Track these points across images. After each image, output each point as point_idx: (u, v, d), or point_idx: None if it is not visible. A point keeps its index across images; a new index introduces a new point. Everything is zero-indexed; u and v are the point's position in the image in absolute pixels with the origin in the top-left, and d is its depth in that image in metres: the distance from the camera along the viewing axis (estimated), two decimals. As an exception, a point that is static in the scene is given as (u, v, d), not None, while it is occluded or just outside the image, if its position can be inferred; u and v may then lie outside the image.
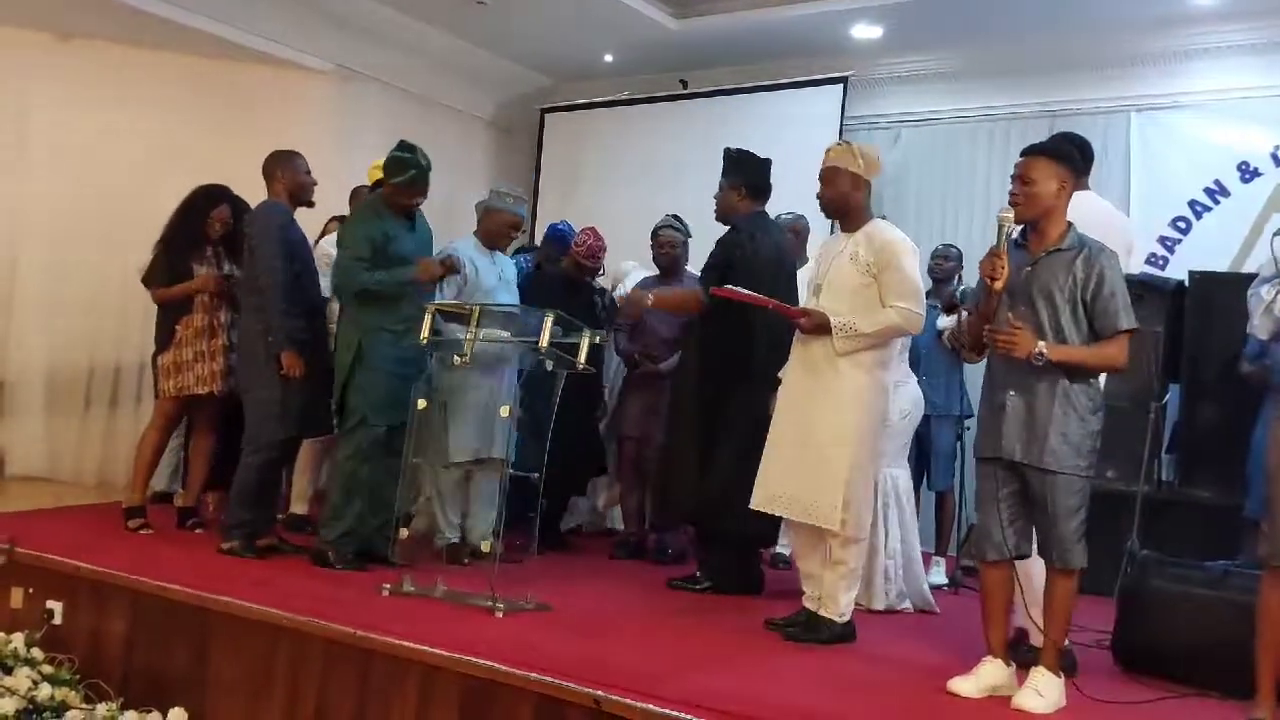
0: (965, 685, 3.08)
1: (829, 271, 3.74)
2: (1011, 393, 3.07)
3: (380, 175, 4.85)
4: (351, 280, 4.26)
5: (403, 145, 4.35)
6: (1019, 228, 3.14)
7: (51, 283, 6.00)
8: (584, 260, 5.20)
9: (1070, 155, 3.18)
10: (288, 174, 4.52)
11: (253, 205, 4.63)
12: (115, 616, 3.76)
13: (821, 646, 3.63)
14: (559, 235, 5.59)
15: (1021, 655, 3.26)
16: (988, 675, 3.09)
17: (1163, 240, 5.97)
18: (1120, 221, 3.74)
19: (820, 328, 3.63)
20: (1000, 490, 3.10)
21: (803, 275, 5.28)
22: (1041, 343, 2.98)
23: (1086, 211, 3.33)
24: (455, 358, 4.05)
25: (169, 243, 4.76)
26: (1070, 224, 3.12)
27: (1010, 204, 3.11)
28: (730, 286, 3.82)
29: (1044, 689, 3.00)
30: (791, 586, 4.52)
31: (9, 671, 3.58)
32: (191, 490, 4.91)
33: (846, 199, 3.75)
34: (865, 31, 6.43)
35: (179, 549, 4.36)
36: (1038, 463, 3.01)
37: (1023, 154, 3.17)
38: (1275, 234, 3.08)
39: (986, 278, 3.09)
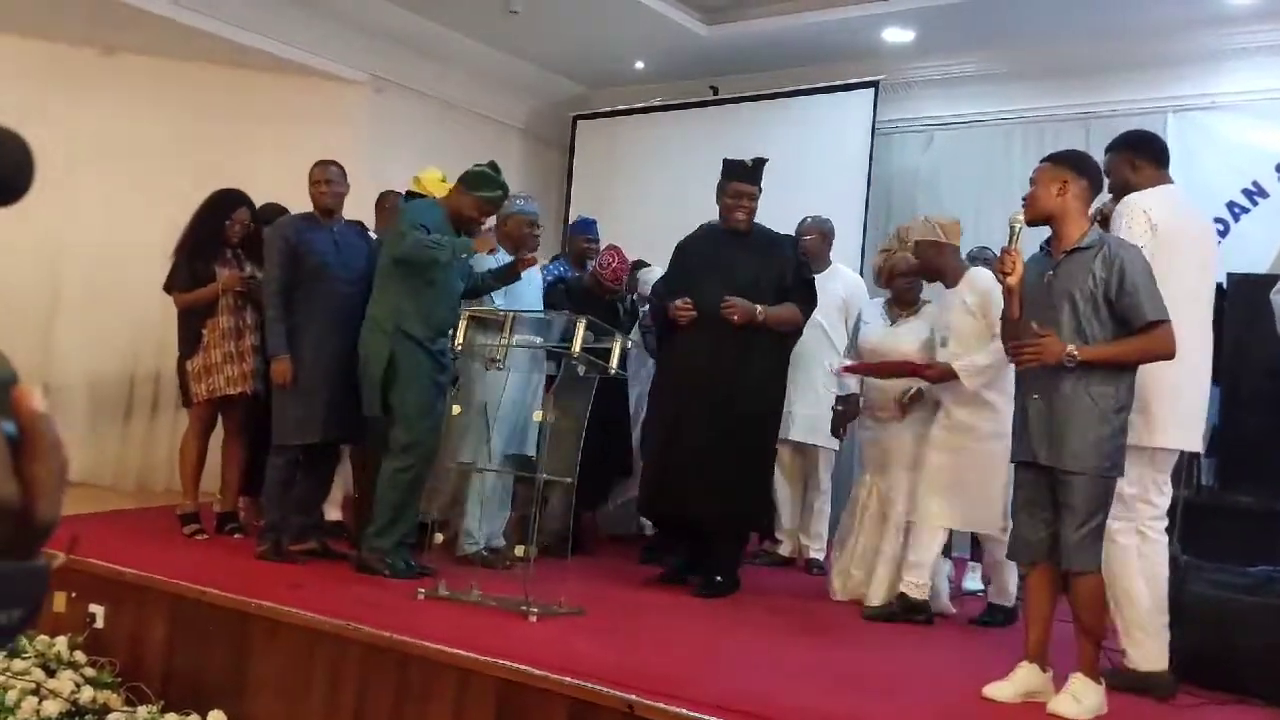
0: (1001, 690, 3.06)
1: (949, 324, 4.23)
2: (1035, 396, 3.08)
3: (421, 187, 4.89)
4: (409, 247, 4.18)
5: (494, 165, 4.43)
6: (1032, 228, 3.22)
7: (95, 291, 6.12)
8: (608, 282, 5.14)
9: (1074, 159, 3.20)
10: (309, 184, 4.59)
11: (291, 213, 4.70)
12: (156, 620, 3.81)
13: (859, 648, 3.62)
14: (586, 224, 5.65)
15: (1114, 676, 3.19)
16: (1024, 680, 3.07)
17: (1201, 242, 5.90)
18: (1197, 218, 3.69)
19: (945, 375, 4.08)
20: (1034, 493, 3.10)
21: (824, 280, 5.33)
22: (1070, 345, 2.98)
23: (1169, 204, 3.40)
24: (488, 363, 4.08)
25: (189, 248, 4.81)
26: (1093, 223, 3.15)
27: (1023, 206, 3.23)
28: (860, 363, 4.43)
29: (1081, 695, 2.97)
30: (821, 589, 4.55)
31: (52, 674, 3.64)
32: (227, 495, 4.96)
33: (938, 265, 4.27)
34: (897, 35, 6.41)
35: (219, 554, 4.43)
36: (1060, 464, 3.01)
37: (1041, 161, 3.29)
38: None
39: (1000, 274, 3.17)
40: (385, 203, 5.39)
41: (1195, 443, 3.47)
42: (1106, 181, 3.50)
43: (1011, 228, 3.17)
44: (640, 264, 5.83)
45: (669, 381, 4.50)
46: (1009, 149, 6.55)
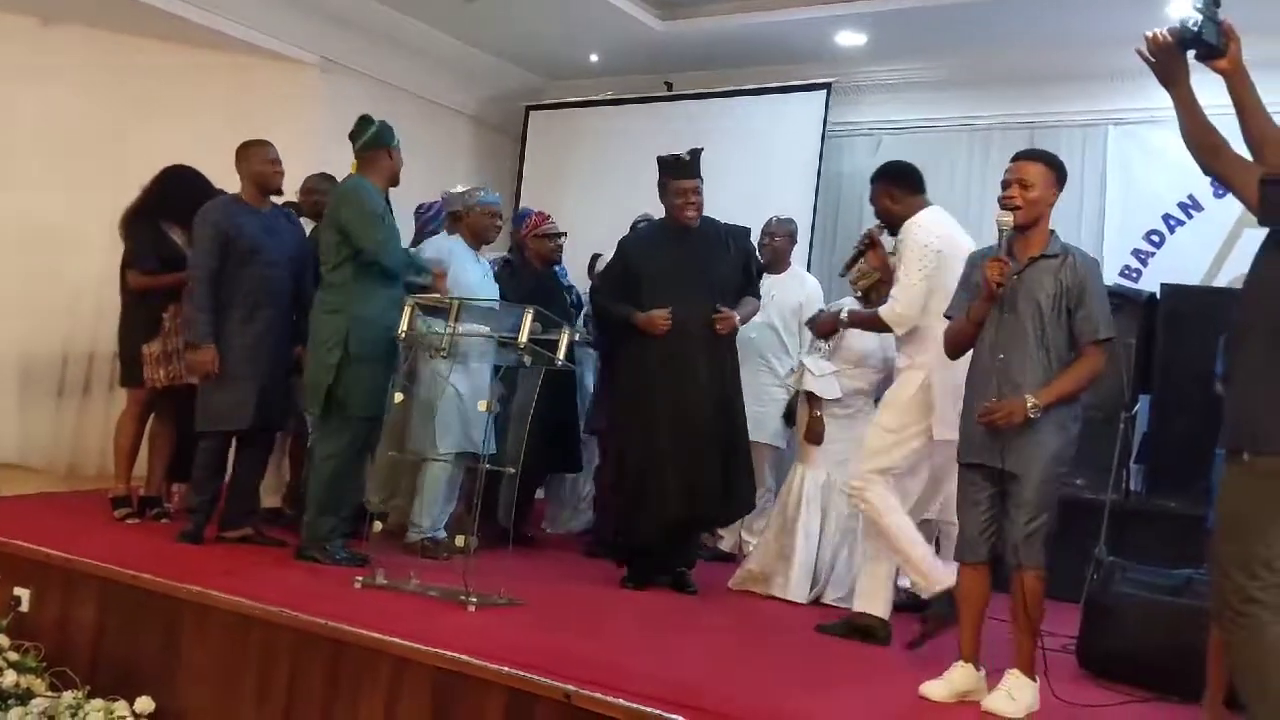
0: (937, 689, 3.11)
1: None
2: (992, 401, 3.10)
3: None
4: (392, 254, 4.19)
5: (367, 118, 4.35)
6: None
7: (29, 269, 5.96)
8: (542, 225, 5.16)
9: (1060, 163, 3.22)
10: (249, 164, 4.49)
11: (228, 194, 4.61)
12: (84, 604, 3.73)
13: (800, 643, 3.71)
14: (528, 215, 5.64)
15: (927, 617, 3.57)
16: (959, 679, 3.12)
17: (1136, 253, 6.04)
18: (963, 233, 3.95)
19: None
20: (979, 494, 3.15)
21: (784, 281, 5.33)
22: (1029, 398, 3.02)
23: (944, 224, 3.78)
24: (433, 351, 4.06)
25: (149, 222, 4.70)
26: (1053, 231, 3.18)
27: (1006, 207, 3.14)
28: None
29: (1016, 692, 3.03)
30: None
31: (-26, 658, 3.56)
32: (152, 479, 4.86)
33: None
34: (849, 39, 6.47)
35: (150, 538, 4.34)
36: (1016, 469, 3.06)
37: (1018, 157, 3.20)
38: None
39: (993, 283, 3.10)
40: (310, 185, 5.29)
41: None
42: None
43: (1001, 231, 3.13)
44: (599, 257, 5.85)
45: (642, 388, 4.29)
46: (954, 155, 6.66)
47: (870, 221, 6.71)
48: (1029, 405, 3.01)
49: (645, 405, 4.26)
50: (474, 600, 3.62)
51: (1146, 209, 6.04)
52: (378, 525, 4.08)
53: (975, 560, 3.16)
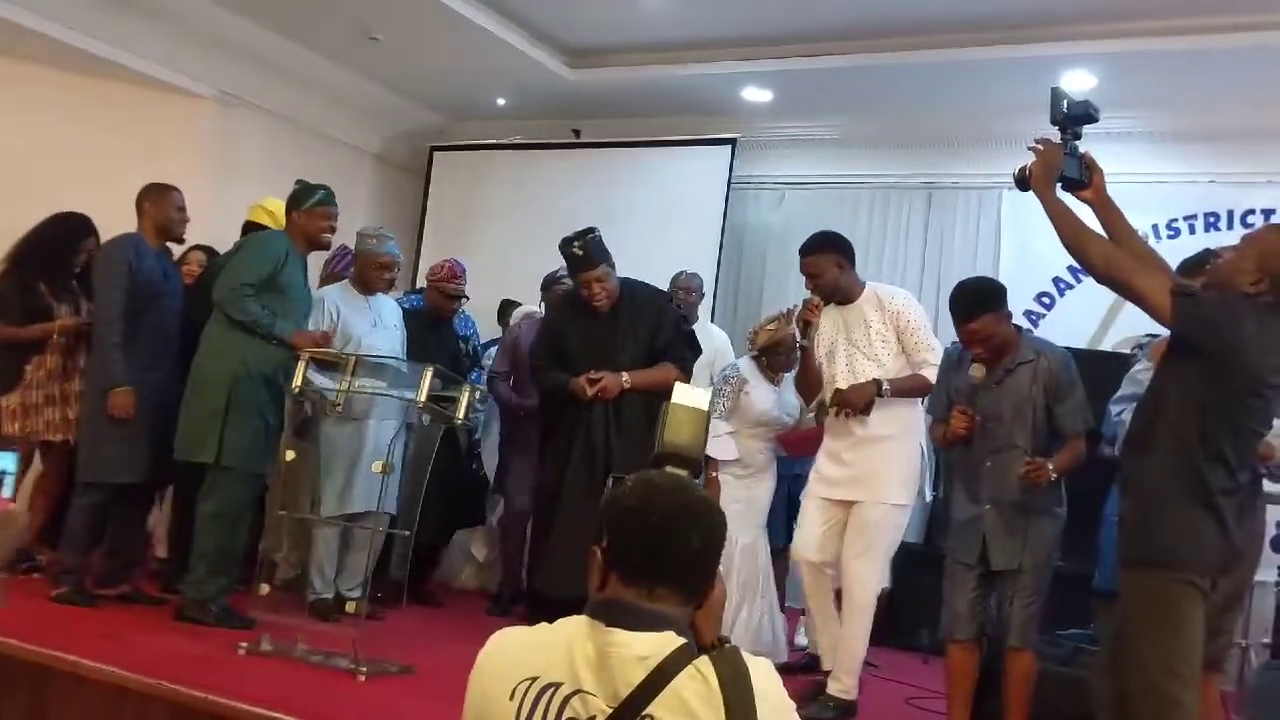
0: None
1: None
2: (987, 506, 3.24)
3: (259, 216, 4.72)
4: (236, 304, 4.03)
5: (301, 181, 4.33)
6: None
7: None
8: (447, 284, 4.96)
9: (998, 300, 3.32)
10: (157, 209, 4.31)
11: (131, 233, 4.41)
12: (-59, 672, 3.49)
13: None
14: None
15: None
16: None
17: (1028, 314, 6.22)
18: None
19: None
20: (967, 574, 3.27)
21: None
22: (1049, 464, 3.15)
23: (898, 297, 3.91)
24: (327, 408, 3.92)
25: (25, 273, 4.47)
26: (1020, 329, 3.37)
27: (978, 361, 3.29)
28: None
29: None
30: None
31: None
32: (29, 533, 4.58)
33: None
34: (755, 95, 6.57)
35: (18, 597, 4.08)
36: (1014, 566, 3.19)
37: (963, 317, 3.28)
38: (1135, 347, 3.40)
39: (961, 430, 3.26)
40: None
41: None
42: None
43: (972, 380, 3.31)
44: (511, 303, 5.78)
45: (552, 458, 4.29)
46: (856, 210, 6.80)
47: (771, 276, 6.86)
48: (1049, 471, 3.14)
49: (546, 476, 4.27)
50: (364, 669, 3.48)
51: (1037, 271, 6.22)
52: (264, 588, 3.89)
53: (965, 638, 3.26)
